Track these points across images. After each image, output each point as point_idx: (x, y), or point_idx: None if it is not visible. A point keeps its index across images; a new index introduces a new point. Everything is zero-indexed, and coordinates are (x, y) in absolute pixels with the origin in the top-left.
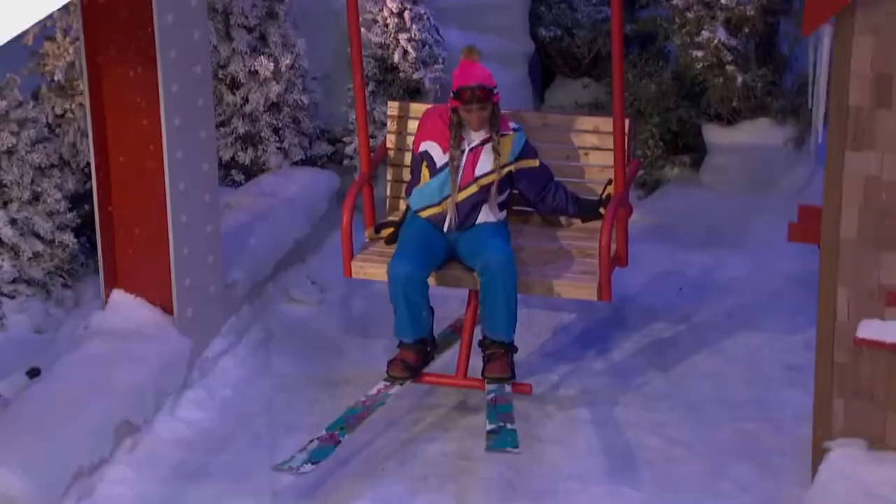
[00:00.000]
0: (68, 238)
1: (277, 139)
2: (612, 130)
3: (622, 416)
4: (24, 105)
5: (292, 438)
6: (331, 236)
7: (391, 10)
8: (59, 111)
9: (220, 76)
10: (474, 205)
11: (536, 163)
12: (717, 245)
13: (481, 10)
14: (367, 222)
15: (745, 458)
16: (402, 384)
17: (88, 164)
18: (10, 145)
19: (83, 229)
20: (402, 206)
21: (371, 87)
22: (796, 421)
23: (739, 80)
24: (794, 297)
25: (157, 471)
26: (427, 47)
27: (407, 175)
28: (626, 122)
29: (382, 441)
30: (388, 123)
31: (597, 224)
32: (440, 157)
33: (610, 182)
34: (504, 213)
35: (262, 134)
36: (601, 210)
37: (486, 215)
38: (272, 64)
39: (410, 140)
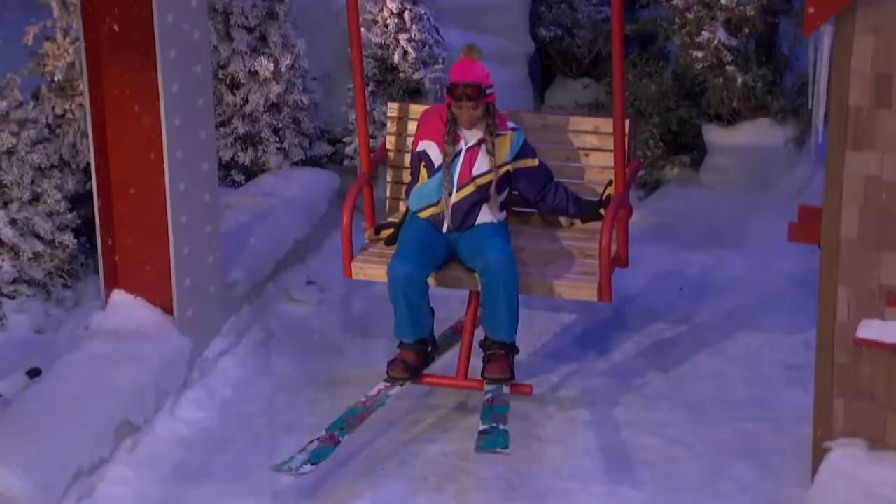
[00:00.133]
0: (68, 238)
1: (277, 139)
2: (612, 131)
3: (622, 416)
4: (24, 105)
5: (292, 438)
6: (331, 236)
7: (391, 11)
8: (59, 111)
9: (220, 76)
10: (473, 205)
11: (535, 162)
12: (718, 245)
13: (481, 10)
14: (367, 223)
15: (746, 458)
16: (402, 385)
17: (88, 164)
18: (10, 146)
19: (83, 229)
20: (402, 207)
21: (371, 87)
22: (796, 421)
23: (739, 80)
24: (795, 297)
25: (157, 471)
26: (427, 47)
27: (407, 176)
28: (627, 122)
29: (382, 441)
30: (388, 124)
31: (597, 225)
32: (437, 157)
33: (610, 183)
34: (504, 213)
35: (262, 134)
36: (601, 211)
37: (485, 215)
38: (272, 64)
39: (410, 141)
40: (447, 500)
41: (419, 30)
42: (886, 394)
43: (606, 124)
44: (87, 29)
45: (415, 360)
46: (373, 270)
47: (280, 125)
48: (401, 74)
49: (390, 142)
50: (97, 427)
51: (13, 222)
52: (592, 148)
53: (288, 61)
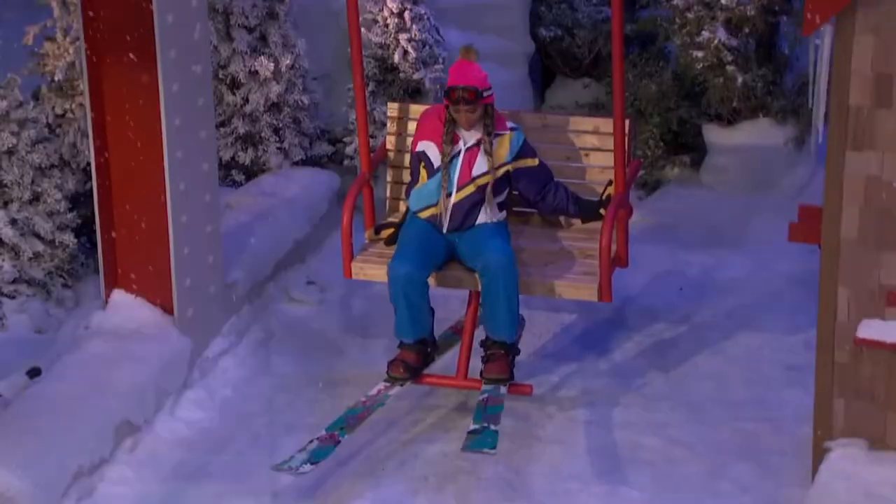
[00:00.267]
0: (68, 238)
1: (277, 139)
2: (612, 131)
3: (622, 416)
4: (25, 105)
5: (292, 438)
6: (331, 236)
7: (391, 10)
8: (59, 111)
9: (220, 76)
10: (473, 205)
11: (535, 162)
12: (718, 245)
13: (481, 10)
14: (367, 223)
15: (746, 458)
16: (402, 385)
17: (88, 164)
18: (10, 145)
19: (83, 229)
20: (402, 207)
21: (371, 87)
22: (796, 421)
23: (740, 80)
24: (795, 297)
25: (157, 471)
26: (427, 47)
27: (407, 176)
28: (627, 122)
29: (383, 441)
30: (388, 124)
31: (597, 225)
32: (436, 158)
33: (610, 183)
34: (504, 213)
35: (263, 134)
36: (601, 211)
37: (485, 216)
38: (272, 64)
39: (410, 141)
40: (447, 500)
41: (419, 30)
42: (886, 394)
43: (606, 124)
44: (87, 29)
45: (415, 360)
46: (373, 270)
47: (280, 125)
48: (401, 74)
49: (390, 142)
50: (97, 427)
51: (13, 222)
52: (592, 148)
53: (288, 61)
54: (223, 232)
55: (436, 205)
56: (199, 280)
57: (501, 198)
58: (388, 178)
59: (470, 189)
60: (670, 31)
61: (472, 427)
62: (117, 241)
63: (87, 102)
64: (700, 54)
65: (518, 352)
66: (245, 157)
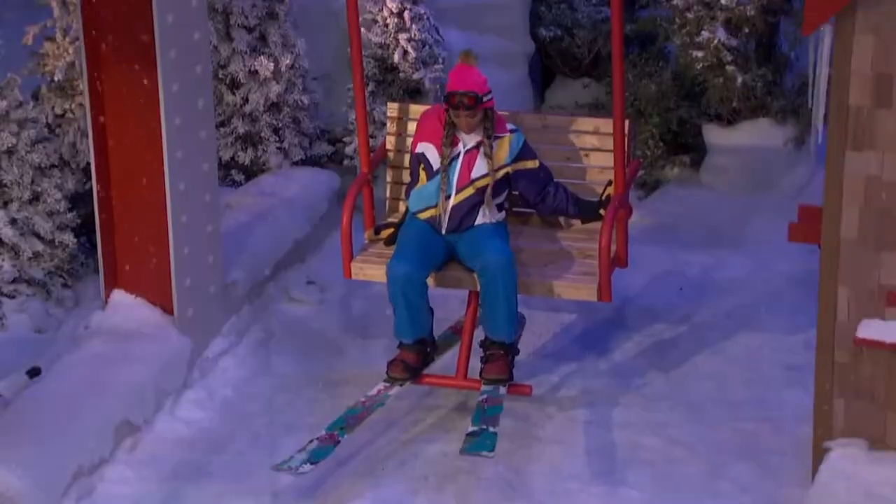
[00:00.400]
0: (68, 238)
1: (277, 139)
2: (612, 132)
3: (622, 416)
4: (24, 105)
5: (292, 438)
6: (331, 236)
7: (391, 10)
8: (59, 111)
9: (220, 76)
10: (472, 206)
11: (535, 164)
12: (718, 245)
13: (481, 10)
14: (367, 223)
15: (745, 458)
16: (401, 385)
17: (88, 163)
18: (10, 145)
19: (83, 229)
20: (402, 207)
21: (371, 87)
22: (796, 421)
23: (739, 80)
24: (794, 297)
25: (157, 471)
26: (427, 47)
27: (407, 177)
28: (626, 123)
29: (382, 441)
30: (388, 125)
31: (597, 225)
32: (436, 160)
33: (610, 183)
34: (503, 213)
35: (262, 134)
36: (601, 211)
37: (484, 217)
38: (272, 64)
39: (410, 142)
40: (447, 500)
41: (419, 29)
42: (886, 394)
43: (606, 125)
44: (87, 29)
45: (414, 360)
46: (372, 271)
47: (280, 125)
48: (401, 74)
49: (390, 142)
50: (97, 427)
51: (13, 222)
52: (592, 148)
53: (288, 61)
54: (223, 232)
55: (435, 206)
56: (199, 280)
57: (500, 199)
58: (388, 179)
59: (469, 191)
60: (670, 31)
61: (471, 429)
62: (117, 240)
63: (86, 102)
64: (700, 54)
65: (517, 352)
66: (245, 157)
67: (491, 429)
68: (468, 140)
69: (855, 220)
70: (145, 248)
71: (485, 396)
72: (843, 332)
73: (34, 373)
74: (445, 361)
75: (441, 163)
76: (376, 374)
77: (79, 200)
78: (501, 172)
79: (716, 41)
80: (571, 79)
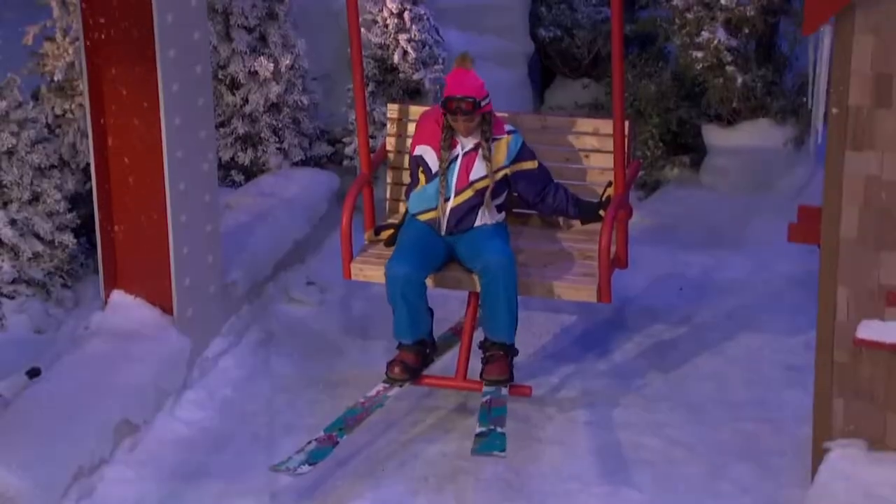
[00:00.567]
0: (68, 238)
1: (277, 139)
2: (611, 132)
3: (622, 417)
4: (24, 105)
5: (292, 439)
6: (330, 237)
7: (391, 11)
8: (58, 111)
9: (220, 76)
10: (471, 208)
11: (534, 164)
12: (718, 246)
13: (481, 11)
14: (367, 224)
15: (746, 458)
16: (401, 386)
17: (88, 164)
18: (10, 146)
19: (83, 229)
20: (402, 208)
21: (371, 87)
22: (796, 421)
23: (739, 80)
24: (795, 298)
25: (157, 471)
26: (427, 48)
27: (407, 177)
28: (626, 123)
29: (382, 442)
30: (388, 126)
31: (597, 226)
32: (434, 162)
33: (610, 184)
34: (502, 214)
35: (262, 134)
36: (601, 212)
37: (483, 218)
38: (272, 64)
39: (410, 143)
40: (447, 501)
41: (419, 30)
42: (886, 394)
43: (606, 125)
44: (86, 29)
45: (414, 361)
46: (372, 271)
47: (280, 125)
48: (401, 75)
49: (390, 143)
50: (97, 427)
51: (13, 222)
52: (592, 149)
53: (288, 61)
54: (223, 232)
55: (435, 209)
56: (199, 280)
57: (500, 200)
58: (388, 180)
59: (468, 193)
60: (670, 31)
61: (479, 429)
62: (117, 241)
63: (86, 102)
64: (700, 55)
65: (517, 352)
66: (244, 158)
67: (499, 429)
68: (466, 142)
69: (854, 220)
70: (145, 249)
71: (488, 398)
72: (843, 333)
73: (34, 373)
74: (445, 362)
75: (439, 166)
76: (376, 375)
77: (79, 201)
78: (500, 174)
79: (716, 41)
80: (571, 79)
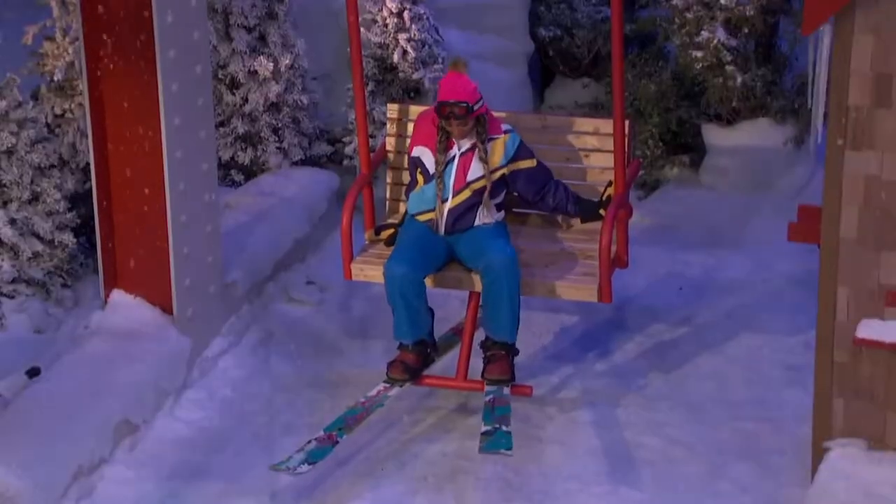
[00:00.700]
0: (68, 238)
1: (277, 139)
2: (611, 132)
3: (622, 416)
4: (24, 105)
5: (292, 438)
6: (330, 236)
7: (391, 10)
8: (58, 111)
9: (219, 76)
10: (469, 208)
11: (532, 163)
12: (718, 245)
13: (481, 10)
14: (367, 224)
15: (745, 458)
16: (401, 386)
17: (88, 163)
18: (9, 145)
19: (83, 229)
20: (402, 207)
21: (371, 87)
22: (796, 421)
23: (739, 80)
24: (794, 298)
25: (157, 471)
26: (426, 47)
27: (407, 177)
28: (626, 123)
29: (382, 442)
30: (388, 126)
31: (597, 225)
32: (431, 164)
33: (610, 184)
34: (502, 213)
35: (262, 134)
36: (601, 211)
37: (482, 217)
38: (272, 64)
39: (409, 143)
40: (447, 501)
41: (419, 29)
42: (886, 394)
43: (606, 125)
44: (86, 29)
45: (414, 361)
46: (372, 271)
47: (280, 125)
48: (400, 74)
49: (390, 143)
50: (97, 427)
51: (13, 222)
52: (592, 149)
53: (287, 61)
54: (223, 232)
55: (433, 210)
56: (199, 280)
57: (499, 199)
58: (388, 179)
59: (466, 194)
60: (669, 31)
61: (484, 428)
62: (116, 240)
63: (86, 102)
64: (699, 54)
65: (517, 352)
66: (244, 157)
67: (504, 427)
68: (463, 143)
69: (854, 219)
70: (145, 248)
71: (490, 397)
72: (843, 332)
73: (34, 373)
74: (445, 362)
75: (436, 167)
76: (376, 375)
77: (78, 200)
78: (497, 174)
79: (715, 41)
80: (571, 79)
